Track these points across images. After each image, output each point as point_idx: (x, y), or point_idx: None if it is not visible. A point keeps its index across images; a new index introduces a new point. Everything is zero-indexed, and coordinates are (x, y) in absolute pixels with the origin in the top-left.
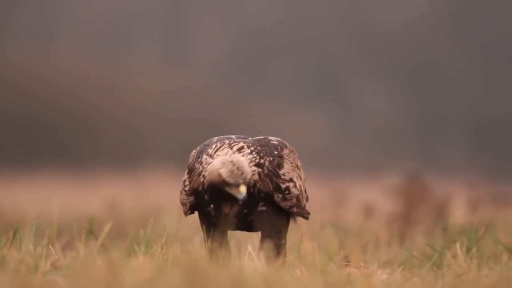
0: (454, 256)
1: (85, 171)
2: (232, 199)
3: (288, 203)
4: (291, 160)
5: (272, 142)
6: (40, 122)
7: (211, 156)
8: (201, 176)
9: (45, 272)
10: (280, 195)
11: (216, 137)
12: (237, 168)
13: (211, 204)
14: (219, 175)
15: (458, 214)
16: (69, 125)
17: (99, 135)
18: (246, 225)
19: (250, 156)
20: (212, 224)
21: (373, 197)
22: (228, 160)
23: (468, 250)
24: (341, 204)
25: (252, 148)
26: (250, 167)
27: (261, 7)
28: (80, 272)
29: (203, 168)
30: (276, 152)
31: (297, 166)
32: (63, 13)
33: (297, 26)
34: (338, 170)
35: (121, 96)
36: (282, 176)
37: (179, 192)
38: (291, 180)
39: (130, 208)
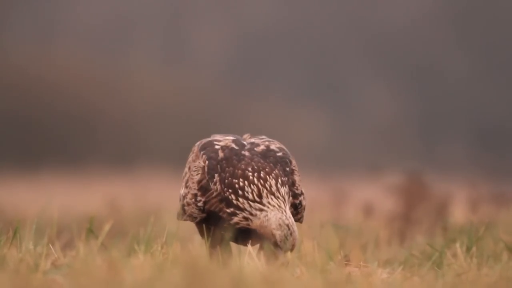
0: (454, 255)
1: (85, 170)
2: (250, 232)
3: (299, 216)
4: (297, 169)
5: (278, 154)
6: (40, 121)
7: (258, 202)
8: (231, 214)
9: (45, 271)
10: (293, 210)
11: (218, 138)
12: (291, 234)
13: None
14: (273, 235)
15: (458, 213)
16: (69, 124)
17: (99, 135)
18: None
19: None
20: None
21: (373, 196)
22: (285, 223)
23: (468, 249)
24: (341, 203)
25: (286, 189)
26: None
27: (261, 7)
28: (80, 271)
29: (245, 212)
30: (288, 169)
31: (299, 172)
32: (64, 13)
33: (297, 26)
34: (338, 169)
35: (121, 95)
36: (296, 191)
37: (185, 202)
38: (302, 193)
39: (130, 208)
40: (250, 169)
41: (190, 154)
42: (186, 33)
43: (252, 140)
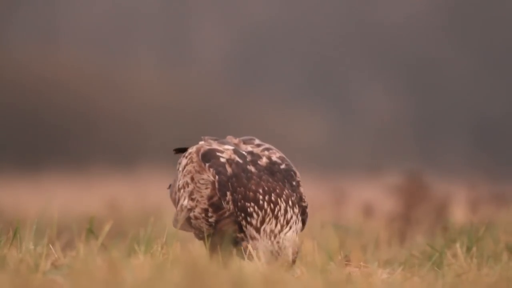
0: (454, 255)
1: (85, 170)
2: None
3: (304, 223)
4: (300, 178)
5: (282, 167)
6: (41, 121)
7: (256, 229)
8: (241, 239)
9: (45, 271)
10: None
11: (217, 147)
12: (276, 259)
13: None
14: (289, 262)
15: (458, 213)
16: (69, 124)
17: (99, 135)
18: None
19: (298, 225)
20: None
21: (373, 196)
22: (269, 249)
23: (469, 249)
24: (341, 203)
25: (296, 210)
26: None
27: (261, 7)
28: (80, 272)
29: (246, 241)
30: (294, 183)
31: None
32: (65, 12)
33: (297, 26)
34: (338, 169)
35: (122, 95)
36: (303, 204)
37: (192, 215)
38: (307, 204)
39: (130, 208)
40: (261, 191)
41: (186, 161)
42: (187, 33)
43: (249, 148)
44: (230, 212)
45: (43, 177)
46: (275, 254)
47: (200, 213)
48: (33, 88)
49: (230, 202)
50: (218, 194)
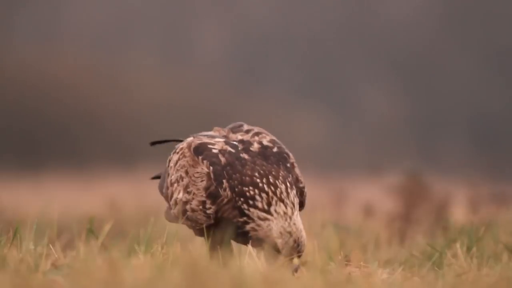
0: (455, 255)
1: (85, 170)
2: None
3: (303, 205)
4: (294, 159)
5: (274, 151)
6: (41, 122)
7: (265, 210)
8: (244, 223)
9: (45, 271)
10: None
11: (207, 140)
12: (294, 241)
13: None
14: (275, 244)
15: (458, 213)
16: (69, 124)
17: (99, 135)
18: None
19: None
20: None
21: (373, 196)
22: (287, 230)
23: (469, 249)
24: (342, 203)
25: (294, 192)
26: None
27: (261, 6)
28: (80, 272)
29: (255, 222)
30: (288, 165)
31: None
32: (67, 12)
33: (297, 27)
34: (338, 169)
35: (122, 96)
36: (300, 185)
37: (188, 207)
38: (304, 184)
39: (130, 208)
40: (257, 174)
41: (178, 156)
42: (187, 32)
43: (239, 137)
44: (228, 198)
45: (43, 177)
46: (294, 236)
47: (197, 205)
48: (33, 89)
49: (228, 189)
50: (215, 184)
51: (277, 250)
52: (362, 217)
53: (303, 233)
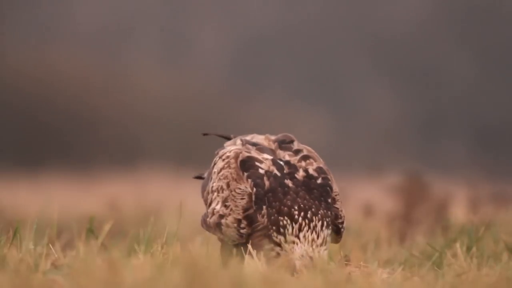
0: (454, 255)
1: (85, 170)
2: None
3: (339, 237)
4: (337, 191)
5: (318, 182)
6: (41, 122)
7: (295, 235)
8: (269, 249)
9: (45, 271)
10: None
11: (255, 156)
12: (312, 264)
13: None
14: (294, 266)
15: (458, 213)
16: (69, 125)
17: (99, 135)
18: None
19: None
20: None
21: (373, 196)
22: (309, 254)
23: (469, 249)
24: (342, 203)
25: (328, 231)
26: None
27: (261, 7)
28: (80, 271)
29: (280, 247)
30: (330, 200)
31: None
32: (63, 14)
33: (297, 27)
34: (339, 169)
35: (121, 96)
36: (339, 221)
37: (223, 222)
38: (343, 220)
39: (130, 208)
40: (296, 207)
41: (223, 165)
42: (187, 33)
43: (287, 157)
44: (263, 225)
45: (43, 177)
46: (314, 263)
47: (232, 223)
48: (33, 88)
49: (265, 216)
50: (254, 207)
51: (293, 272)
52: (362, 217)
53: (325, 261)
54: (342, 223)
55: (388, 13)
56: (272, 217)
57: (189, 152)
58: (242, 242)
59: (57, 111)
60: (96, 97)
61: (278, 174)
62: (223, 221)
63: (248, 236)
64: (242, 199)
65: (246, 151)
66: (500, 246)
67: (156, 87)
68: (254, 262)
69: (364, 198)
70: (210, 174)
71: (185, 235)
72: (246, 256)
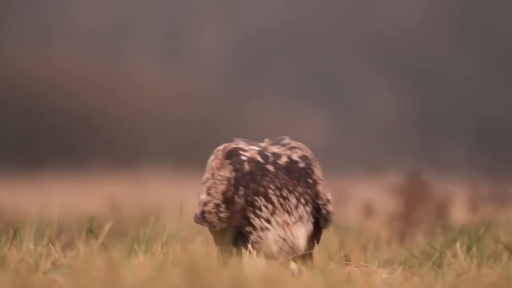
0: (455, 255)
1: (85, 170)
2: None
3: (329, 223)
4: (321, 177)
5: (300, 165)
6: (40, 122)
7: (267, 220)
8: (248, 232)
9: (45, 271)
10: (323, 221)
11: (243, 147)
12: (290, 247)
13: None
14: (272, 253)
15: (459, 213)
16: (69, 125)
17: (99, 135)
18: None
19: (309, 226)
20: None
21: (373, 196)
22: (281, 236)
23: (469, 249)
24: (342, 203)
25: (307, 208)
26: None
27: (261, 7)
28: (80, 271)
29: (257, 233)
30: (311, 181)
31: (323, 176)
32: (63, 14)
33: (297, 26)
34: (339, 169)
35: (121, 96)
36: (319, 202)
37: (206, 209)
38: (328, 200)
39: (130, 208)
40: (272, 186)
41: (213, 158)
42: (186, 34)
43: (275, 149)
44: (241, 206)
45: (43, 177)
46: (289, 242)
47: (212, 208)
48: (33, 88)
49: (243, 198)
50: (232, 190)
51: (274, 258)
52: (362, 217)
53: (300, 240)
54: (324, 205)
55: (388, 13)
56: (249, 198)
57: (189, 152)
58: (223, 227)
59: (57, 111)
60: (96, 97)
61: (261, 161)
62: (205, 208)
63: (229, 220)
64: (221, 184)
65: (235, 144)
66: (500, 246)
67: (156, 87)
68: (254, 262)
69: (364, 198)
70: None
71: (185, 235)
72: (246, 256)
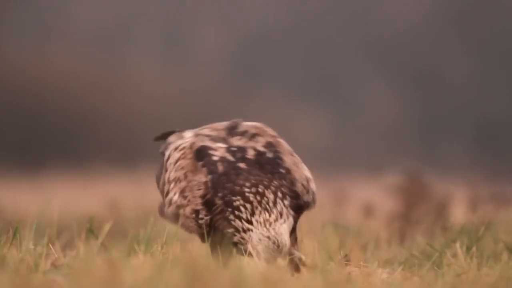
0: (454, 255)
1: (85, 170)
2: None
3: (313, 202)
4: (291, 160)
5: (268, 156)
6: (40, 122)
7: (248, 221)
8: (232, 234)
9: (45, 271)
10: (305, 206)
11: (209, 145)
12: (273, 243)
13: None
14: (257, 252)
15: (458, 213)
16: (69, 125)
17: (99, 135)
18: None
19: (289, 220)
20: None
21: (373, 196)
22: (265, 235)
23: (468, 249)
24: (342, 203)
25: (286, 202)
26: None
27: (261, 7)
28: (80, 271)
29: (240, 234)
30: (283, 171)
31: (292, 154)
32: (63, 14)
33: (297, 26)
34: (339, 169)
35: (121, 96)
36: (295, 189)
37: (181, 212)
38: (306, 181)
39: (130, 207)
40: (247, 184)
41: (179, 155)
42: (186, 33)
43: (237, 142)
44: (221, 208)
45: (43, 177)
46: (273, 240)
47: (190, 213)
48: (33, 88)
49: (221, 199)
50: (211, 192)
51: (260, 258)
52: (362, 217)
53: (284, 237)
54: (301, 190)
55: (388, 13)
56: (226, 198)
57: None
58: (201, 233)
59: (57, 111)
60: (96, 97)
61: (232, 159)
62: (181, 211)
63: (208, 225)
64: (199, 189)
65: (200, 141)
66: (500, 246)
67: (156, 87)
68: (254, 262)
69: (364, 198)
70: (163, 166)
71: (185, 235)
72: (246, 256)
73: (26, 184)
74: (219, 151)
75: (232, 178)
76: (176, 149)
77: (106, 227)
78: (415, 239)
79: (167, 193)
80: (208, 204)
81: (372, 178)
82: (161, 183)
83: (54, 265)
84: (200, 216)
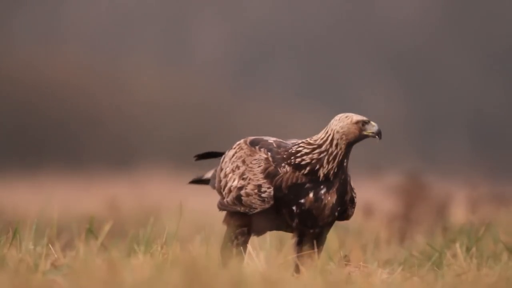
0: (454, 255)
1: (85, 171)
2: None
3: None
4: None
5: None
6: (41, 122)
7: (310, 144)
8: (310, 171)
9: (45, 271)
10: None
11: (262, 137)
12: (347, 117)
13: (293, 204)
14: (353, 120)
15: (458, 213)
16: (69, 125)
17: (99, 135)
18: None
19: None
20: (251, 223)
21: (373, 196)
22: (339, 115)
23: (468, 249)
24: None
25: None
26: None
27: (261, 7)
28: (80, 272)
29: (312, 154)
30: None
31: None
32: (67, 12)
33: (297, 26)
34: None
35: (121, 96)
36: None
37: (243, 193)
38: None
39: (130, 208)
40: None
41: (235, 151)
42: (186, 33)
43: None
44: (289, 172)
45: (43, 177)
46: (345, 114)
47: (252, 189)
48: (33, 89)
49: (286, 166)
50: (273, 164)
51: (362, 126)
52: (362, 217)
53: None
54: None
55: (389, 14)
56: (285, 155)
57: (189, 152)
58: (264, 208)
59: (57, 111)
60: (96, 98)
61: (284, 141)
62: (242, 192)
63: (274, 199)
64: (259, 166)
65: (251, 136)
66: (499, 246)
67: (155, 88)
68: (254, 262)
69: (364, 198)
70: (219, 168)
71: (184, 235)
72: (246, 256)
73: (26, 184)
74: (271, 139)
75: (286, 146)
76: (231, 148)
77: (106, 227)
78: (415, 239)
79: (225, 185)
80: (270, 175)
81: (372, 178)
82: (216, 182)
83: (54, 265)
84: (263, 189)
